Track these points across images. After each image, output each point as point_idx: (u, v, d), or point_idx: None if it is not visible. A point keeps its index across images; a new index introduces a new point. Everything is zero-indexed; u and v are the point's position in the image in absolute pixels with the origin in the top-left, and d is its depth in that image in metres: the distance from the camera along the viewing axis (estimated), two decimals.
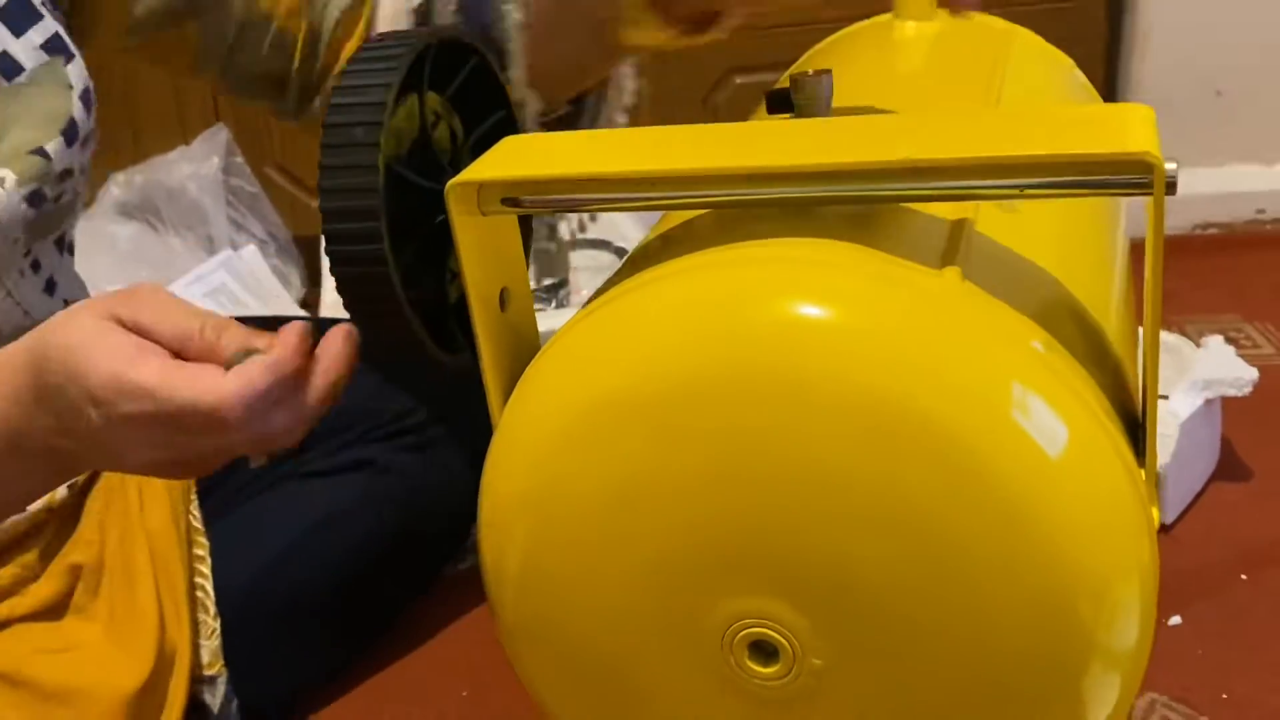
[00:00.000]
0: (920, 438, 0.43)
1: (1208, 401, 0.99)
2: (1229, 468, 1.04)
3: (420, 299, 0.53)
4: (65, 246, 0.79)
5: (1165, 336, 1.07)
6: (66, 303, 0.77)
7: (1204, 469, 1.03)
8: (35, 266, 0.75)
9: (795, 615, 0.46)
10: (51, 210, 0.72)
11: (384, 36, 0.53)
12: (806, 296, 0.44)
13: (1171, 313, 1.31)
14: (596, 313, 0.49)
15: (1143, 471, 0.45)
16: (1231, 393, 0.97)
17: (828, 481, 0.44)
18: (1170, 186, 0.40)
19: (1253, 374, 0.98)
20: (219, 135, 1.55)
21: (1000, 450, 0.43)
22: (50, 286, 0.77)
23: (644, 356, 0.46)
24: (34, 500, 0.63)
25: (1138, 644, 0.45)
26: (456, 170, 0.50)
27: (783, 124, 0.51)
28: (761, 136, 0.49)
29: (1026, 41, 0.79)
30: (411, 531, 0.93)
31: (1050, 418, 0.43)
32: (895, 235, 0.48)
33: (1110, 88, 1.56)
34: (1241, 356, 1.02)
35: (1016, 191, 0.43)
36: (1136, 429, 0.48)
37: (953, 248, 0.47)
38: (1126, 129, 0.43)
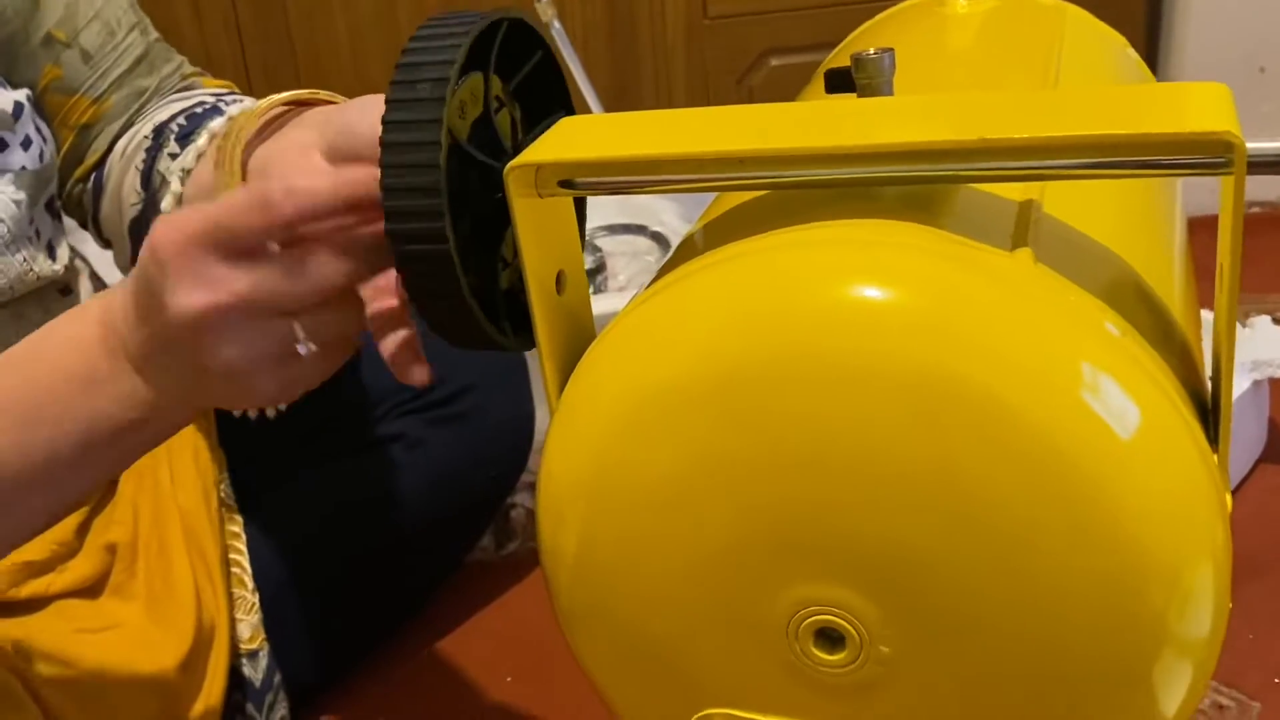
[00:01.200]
0: (990, 421, 0.42)
1: (1255, 383, 0.98)
2: (1278, 450, 1.03)
3: (475, 285, 0.53)
4: (55, 211, 0.80)
5: (1209, 316, 1.06)
6: (67, 269, 0.78)
7: (1252, 451, 1.02)
8: (38, 233, 0.75)
9: (862, 602, 0.45)
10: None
11: (448, 15, 0.52)
12: (872, 277, 0.44)
13: (1213, 293, 1.30)
14: (654, 298, 0.49)
15: (1215, 455, 0.45)
16: (1275, 374, 0.96)
17: (893, 466, 0.43)
18: (1274, 166, 0.40)
19: None
20: None
21: (1069, 432, 0.42)
22: (51, 251, 0.77)
23: (703, 342, 0.46)
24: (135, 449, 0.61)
25: (1211, 631, 0.44)
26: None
27: (845, 103, 0.50)
28: (823, 116, 0.48)
29: (1079, 19, 0.78)
30: (446, 504, 0.94)
31: (1124, 400, 0.42)
32: (961, 216, 0.47)
33: (1152, 65, 1.54)
34: None
35: (1092, 172, 0.42)
36: (1206, 412, 0.47)
37: (1022, 229, 0.46)
38: (1204, 108, 0.42)
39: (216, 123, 0.70)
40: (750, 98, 1.48)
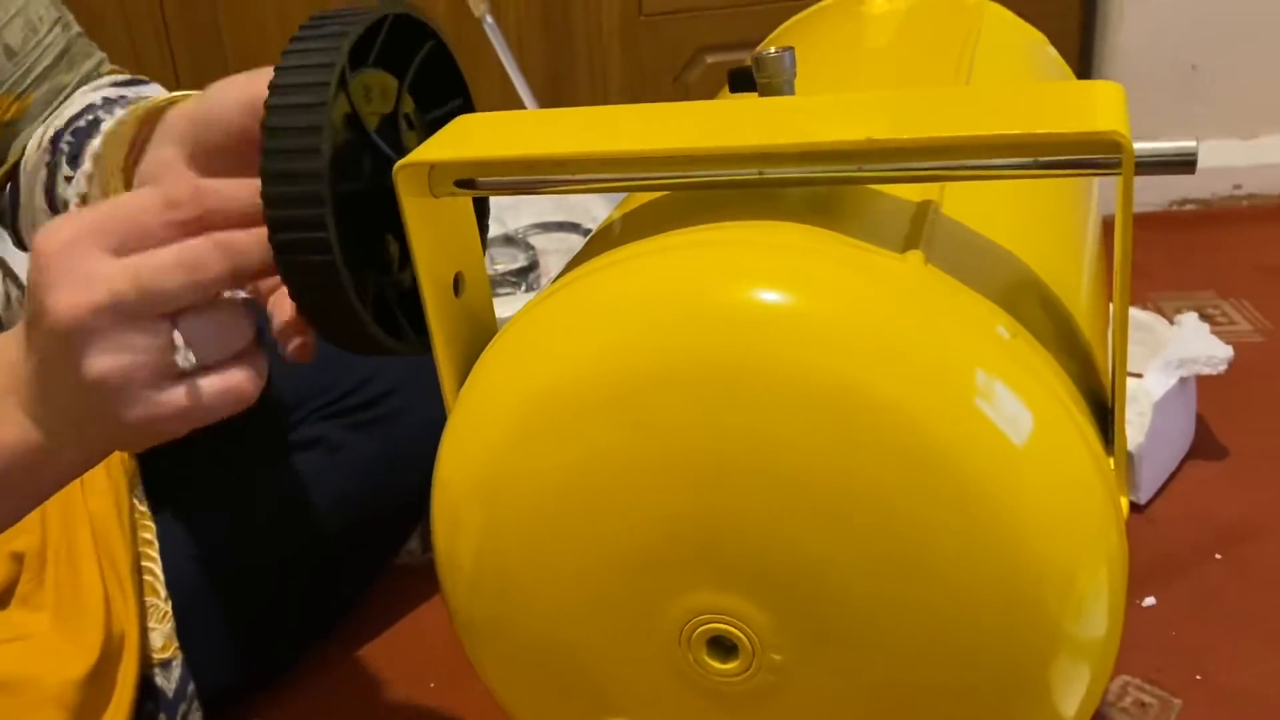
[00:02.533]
0: (882, 426, 0.42)
1: (1182, 380, 0.98)
2: (1204, 446, 1.04)
3: (372, 285, 0.52)
4: None
5: (1140, 314, 1.06)
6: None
7: (1178, 448, 1.02)
8: None
9: (755, 610, 0.44)
10: None
11: (328, 14, 0.51)
12: (766, 281, 0.43)
13: (1148, 290, 1.31)
14: (552, 298, 0.48)
15: (1111, 460, 0.44)
16: (1206, 371, 0.97)
17: (787, 472, 0.43)
18: (1189, 165, 0.39)
19: (1227, 352, 0.97)
20: None
21: (964, 439, 0.41)
22: None
23: (600, 343, 0.45)
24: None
25: (1107, 634, 0.44)
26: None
27: (744, 103, 0.49)
28: (722, 116, 0.48)
29: (998, 17, 0.78)
30: (367, 510, 0.92)
31: (1015, 405, 0.42)
32: (858, 217, 0.47)
33: (1085, 63, 1.55)
34: (1218, 334, 1.01)
35: (983, 172, 0.42)
36: (1105, 415, 0.47)
37: (916, 230, 0.46)
38: (1096, 107, 0.42)
39: (95, 143, 0.68)
40: (686, 95, 1.48)
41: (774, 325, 0.42)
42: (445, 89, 0.56)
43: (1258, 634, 0.84)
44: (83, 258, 0.48)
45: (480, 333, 0.53)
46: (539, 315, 0.48)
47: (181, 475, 0.86)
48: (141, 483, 0.82)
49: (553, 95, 1.47)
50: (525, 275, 1.17)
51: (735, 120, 0.47)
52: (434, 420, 0.50)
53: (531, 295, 1.23)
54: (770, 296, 0.43)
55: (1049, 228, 0.56)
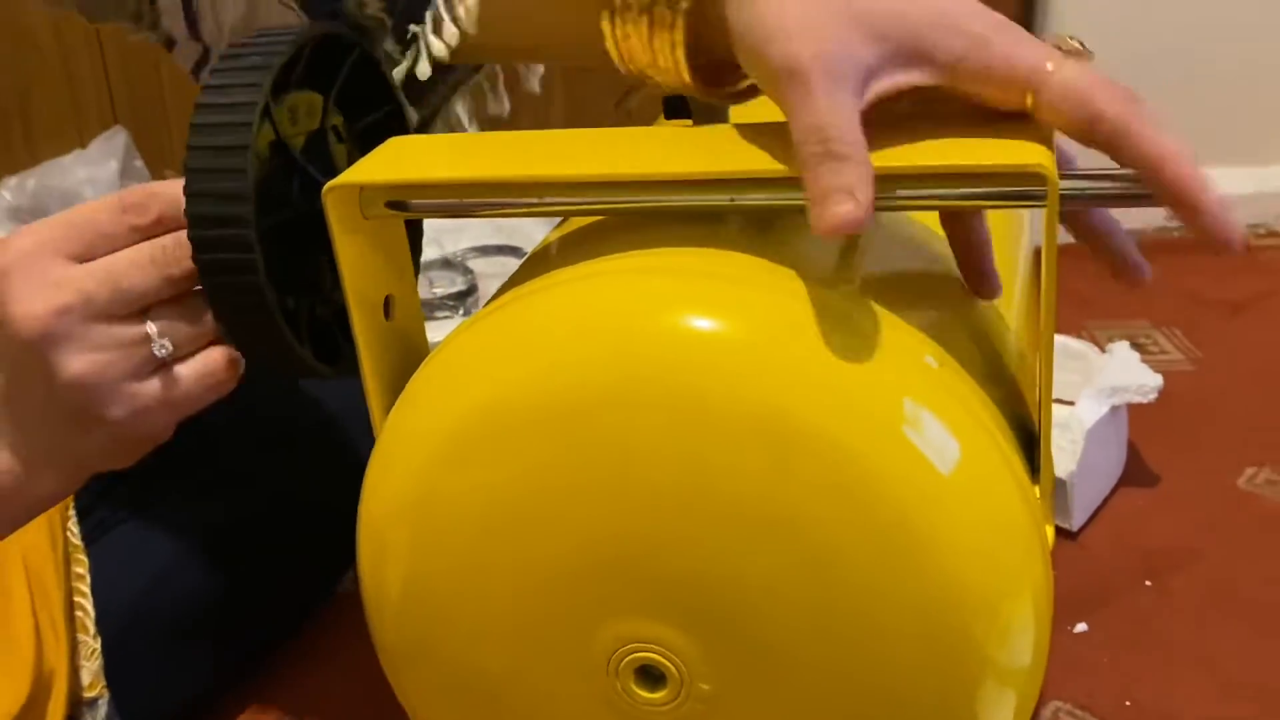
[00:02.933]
0: (810, 454, 0.42)
1: (1114, 408, 0.99)
2: (1135, 474, 1.05)
3: (305, 309, 0.51)
4: None
5: (1071, 343, 1.08)
6: None
7: (1110, 476, 1.03)
8: None
9: (682, 639, 0.44)
10: None
11: (248, 41, 0.50)
12: (699, 309, 0.43)
13: (1084, 318, 1.32)
14: (484, 320, 0.47)
15: (1037, 488, 0.45)
16: (1137, 399, 0.98)
17: (716, 499, 0.43)
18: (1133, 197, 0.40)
19: (1157, 380, 0.99)
20: (117, 138, 1.49)
21: (892, 468, 0.42)
22: None
23: (533, 366, 0.45)
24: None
25: (1032, 662, 0.44)
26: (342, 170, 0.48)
27: (677, 130, 0.50)
28: (656, 142, 0.48)
29: None
30: (296, 540, 0.90)
31: (942, 434, 0.42)
32: (791, 244, 0.47)
33: None
34: (1150, 363, 1.02)
35: (914, 202, 0.42)
36: (1033, 443, 0.47)
37: (847, 259, 0.46)
38: (1023, 139, 0.42)
39: None
40: (629, 120, 1.48)
41: (706, 352, 0.42)
42: (373, 97, 0.56)
43: (1187, 660, 0.85)
44: (46, 266, 0.47)
45: (411, 356, 0.53)
46: (471, 338, 0.47)
47: (112, 506, 0.84)
48: (75, 514, 0.80)
49: (493, 119, 1.47)
50: (464, 299, 1.16)
51: (669, 147, 0.47)
52: (367, 450, 0.50)
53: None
54: (703, 324, 0.43)
55: None
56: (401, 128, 0.57)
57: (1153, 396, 0.98)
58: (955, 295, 0.50)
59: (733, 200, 0.44)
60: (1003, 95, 0.42)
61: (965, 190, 0.41)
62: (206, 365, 0.50)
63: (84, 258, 0.48)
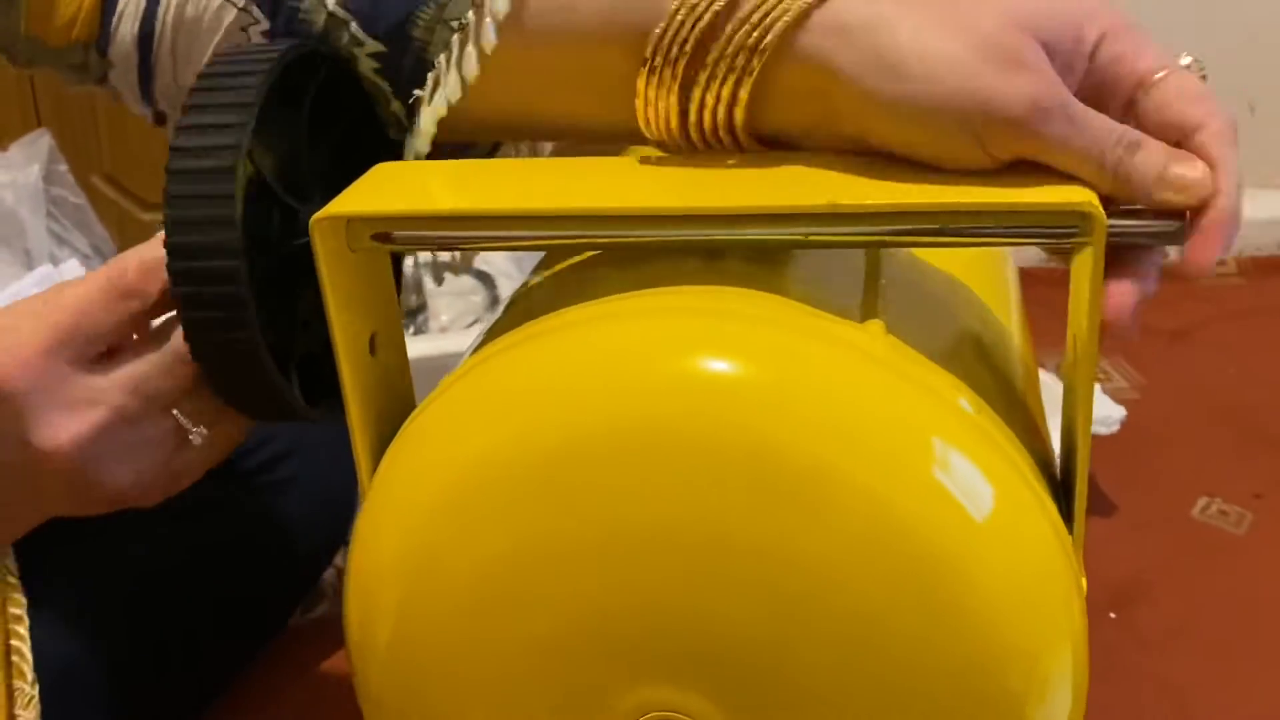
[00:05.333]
0: (841, 503, 0.39)
1: None
2: (1095, 505, 1.05)
3: (282, 347, 0.48)
4: None
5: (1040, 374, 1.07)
6: None
7: None
8: None
9: (706, 704, 0.41)
10: None
11: (226, 56, 0.47)
12: (721, 351, 0.41)
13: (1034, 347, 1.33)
14: (482, 365, 0.44)
15: (1070, 536, 0.43)
16: (1101, 431, 0.98)
17: (736, 551, 0.40)
18: (1175, 235, 0.38)
19: (1120, 412, 0.99)
20: (40, 141, 1.43)
21: (926, 515, 0.39)
22: None
23: (534, 415, 0.42)
24: None
25: (1071, 714, 0.42)
26: (327, 186, 0.45)
27: (689, 160, 0.47)
28: (665, 174, 0.45)
29: None
30: (252, 579, 0.87)
31: (978, 480, 0.40)
32: (809, 280, 0.45)
33: None
34: (1099, 391, 1.02)
35: (951, 240, 0.40)
36: (1057, 483, 0.46)
37: (871, 296, 0.44)
38: (1052, 179, 0.40)
39: None
40: (619, 149, 1.45)
41: (732, 397, 0.40)
42: (347, 106, 0.52)
43: (1151, 690, 0.84)
44: (62, 379, 0.46)
45: (395, 397, 0.50)
46: (470, 384, 0.44)
47: (51, 545, 0.79)
48: (12, 552, 0.76)
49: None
50: (414, 317, 1.13)
51: (681, 179, 0.44)
52: (327, 489, 0.48)
53: (419, 338, 1.19)
54: (726, 368, 0.40)
55: (987, 289, 0.55)
56: (376, 134, 0.53)
57: (1115, 428, 0.98)
58: (973, 331, 0.48)
59: (750, 235, 0.42)
60: (1113, 86, 0.41)
61: (1007, 227, 0.40)
62: (228, 430, 0.50)
63: (91, 357, 0.47)
